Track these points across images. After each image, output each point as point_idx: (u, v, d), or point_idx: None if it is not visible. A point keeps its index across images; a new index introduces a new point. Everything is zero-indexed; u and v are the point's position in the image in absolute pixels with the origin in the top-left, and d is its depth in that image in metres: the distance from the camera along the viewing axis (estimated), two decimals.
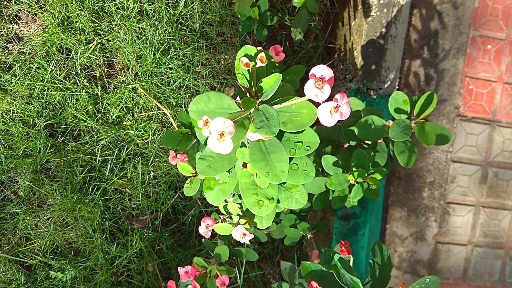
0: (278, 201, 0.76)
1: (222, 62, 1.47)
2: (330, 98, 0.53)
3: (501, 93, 1.45)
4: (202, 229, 0.76)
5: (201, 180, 0.77)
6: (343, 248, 0.79)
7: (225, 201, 0.77)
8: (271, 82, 0.54)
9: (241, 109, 0.57)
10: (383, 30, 1.26)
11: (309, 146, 0.65)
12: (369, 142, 1.03)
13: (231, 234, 0.73)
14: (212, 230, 0.77)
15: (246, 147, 0.62)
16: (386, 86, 1.29)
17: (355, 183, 0.91)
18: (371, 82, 1.28)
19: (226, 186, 0.68)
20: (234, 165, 0.67)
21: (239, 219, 0.72)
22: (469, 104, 1.44)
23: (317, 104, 0.55)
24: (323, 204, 0.96)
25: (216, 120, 0.47)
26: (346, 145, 1.05)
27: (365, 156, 0.91)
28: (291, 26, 1.31)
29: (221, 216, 0.79)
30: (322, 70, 0.52)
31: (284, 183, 0.73)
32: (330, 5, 1.47)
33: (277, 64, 1.00)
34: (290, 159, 0.67)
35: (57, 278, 1.34)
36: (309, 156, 0.69)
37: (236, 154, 0.62)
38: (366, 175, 0.91)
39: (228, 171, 0.68)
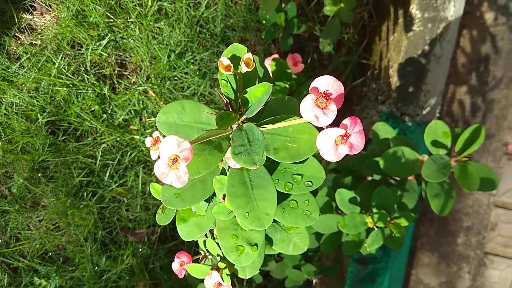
0: (272, 243, 0.61)
1: None
2: (336, 124, 0.38)
3: None
4: (175, 266, 0.62)
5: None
6: None
7: (205, 235, 0.63)
8: (258, 94, 0.40)
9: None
10: (426, 48, 1.09)
11: (311, 182, 0.50)
12: (398, 178, 0.86)
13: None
14: None
15: (226, 174, 0.48)
16: (424, 112, 1.12)
17: (374, 227, 0.75)
18: (406, 106, 1.11)
19: (203, 220, 0.54)
20: (215, 194, 0.53)
21: (219, 261, 0.58)
22: None
23: (320, 129, 0.40)
24: (333, 247, 0.80)
25: (168, 139, 0.34)
26: (369, 178, 0.88)
27: (390, 196, 0.74)
28: (320, 37, 1.16)
29: (202, 252, 0.65)
30: (328, 83, 0.37)
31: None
32: (368, 17, 1.32)
33: (294, 76, 0.86)
34: (286, 195, 0.53)
35: (41, 285, 1.24)
36: (315, 193, 0.54)
37: (212, 183, 0.48)
38: (388, 219, 0.74)
39: (208, 201, 0.54)
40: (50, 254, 1.28)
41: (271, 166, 0.49)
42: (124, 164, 1.30)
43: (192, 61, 1.30)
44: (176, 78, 1.31)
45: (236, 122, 0.43)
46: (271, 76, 0.85)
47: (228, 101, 0.42)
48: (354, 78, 1.35)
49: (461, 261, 1.34)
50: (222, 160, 0.50)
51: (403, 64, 1.11)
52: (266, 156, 0.45)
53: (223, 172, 0.49)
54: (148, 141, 0.38)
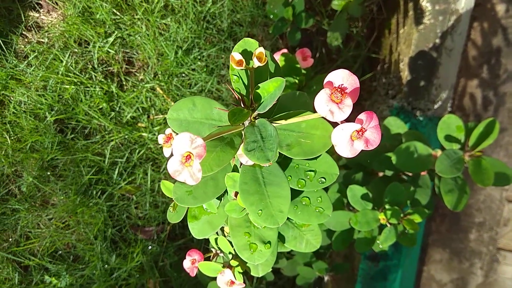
0: (284, 241, 0.60)
1: None
2: (352, 119, 0.37)
3: None
4: (186, 264, 0.61)
5: None
6: None
7: (217, 232, 0.62)
8: (271, 89, 0.39)
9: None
10: (437, 41, 1.07)
11: (324, 178, 0.49)
12: (410, 174, 0.85)
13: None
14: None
15: (238, 171, 0.47)
16: (435, 106, 1.10)
17: (387, 223, 0.73)
18: (418, 100, 1.10)
19: (215, 218, 0.53)
20: (226, 192, 0.52)
21: (231, 259, 0.57)
22: None
23: (334, 125, 0.39)
24: (345, 245, 0.79)
25: (181, 136, 0.33)
26: (381, 174, 0.87)
27: (403, 192, 0.73)
28: (328, 31, 1.15)
29: (213, 250, 0.64)
30: (343, 77, 0.36)
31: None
32: (377, 10, 1.30)
33: (303, 71, 0.85)
34: (298, 192, 0.52)
35: (51, 283, 1.24)
36: (326, 190, 0.53)
37: (224, 180, 0.47)
38: (402, 215, 0.73)
39: (219, 198, 0.53)
40: (60, 252, 1.29)
41: (283, 162, 0.48)
42: (132, 161, 1.29)
43: (199, 57, 1.29)
44: (183, 74, 1.30)
45: (248, 118, 0.42)
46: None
47: (240, 97, 0.41)
48: (364, 73, 1.34)
49: (473, 257, 1.33)
50: (234, 157, 0.49)
51: (413, 58, 1.09)
52: (279, 153, 0.44)
53: (235, 169, 0.49)
54: (161, 138, 0.37)
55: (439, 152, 0.77)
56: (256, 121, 0.41)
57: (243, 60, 0.38)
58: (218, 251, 0.63)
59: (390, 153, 0.80)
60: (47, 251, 1.27)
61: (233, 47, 1.30)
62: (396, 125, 0.87)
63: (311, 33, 1.34)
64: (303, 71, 0.85)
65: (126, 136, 1.28)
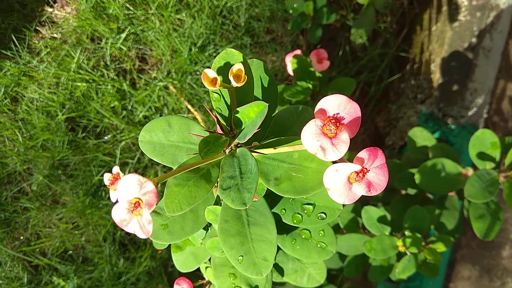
0: (282, 273, 0.53)
1: (270, 64, 1.25)
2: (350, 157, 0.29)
3: None
4: None
5: None
6: None
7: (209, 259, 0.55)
8: (251, 115, 0.31)
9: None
10: (473, 40, 0.95)
11: (325, 214, 0.41)
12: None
13: None
14: None
15: (221, 203, 0.40)
16: (470, 113, 0.99)
17: (406, 252, 0.65)
18: (450, 106, 0.99)
19: (200, 250, 0.47)
20: (211, 224, 0.45)
21: None
22: None
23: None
24: (359, 271, 0.71)
25: (127, 179, 0.26)
26: (403, 192, 0.78)
27: (425, 217, 0.64)
28: (351, 27, 1.05)
29: (206, 277, 0.58)
30: (339, 104, 0.28)
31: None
32: (408, 3, 1.18)
33: (318, 74, 0.77)
34: (292, 228, 0.44)
35: (59, 285, 1.23)
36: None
37: (205, 214, 0.40)
38: (423, 243, 0.64)
39: (205, 228, 0.47)
40: (70, 253, 1.27)
41: (273, 195, 0.40)
42: (143, 162, 1.25)
43: (214, 54, 1.22)
44: (197, 72, 1.24)
45: (229, 146, 0.35)
46: (292, 75, 0.76)
47: (218, 121, 0.34)
48: (391, 73, 1.23)
49: (506, 275, 1.21)
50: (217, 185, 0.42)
51: (446, 59, 0.98)
52: (266, 188, 0.36)
53: (218, 201, 0.42)
54: (106, 179, 0.30)
55: (470, 171, 0.68)
56: (237, 150, 0.34)
57: (218, 78, 0.31)
58: (208, 281, 0.56)
59: (414, 169, 0.71)
60: (57, 251, 1.25)
61: (250, 44, 1.22)
62: (423, 136, 0.77)
63: (334, 28, 1.24)
64: (318, 75, 0.77)
65: (138, 136, 1.24)
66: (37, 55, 1.25)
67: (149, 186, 0.26)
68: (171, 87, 1.24)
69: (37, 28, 1.26)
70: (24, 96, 1.24)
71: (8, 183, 1.26)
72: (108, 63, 1.24)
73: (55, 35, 1.25)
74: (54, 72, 1.22)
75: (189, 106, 1.23)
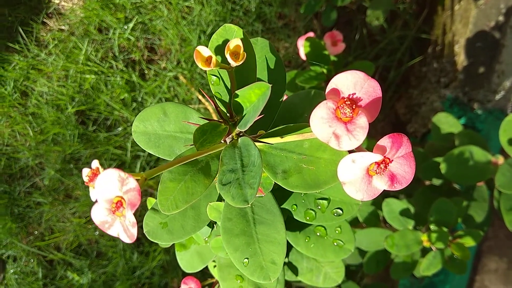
0: (296, 273, 0.49)
1: (282, 51, 1.20)
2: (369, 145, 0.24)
3: None
4: None
5: None
6: None
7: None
8: (253, 99, 0.27)
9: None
10: (500, 18, 0.88)
11: (341, 209, 0.37)
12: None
13: None
14: None
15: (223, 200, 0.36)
16: (497, 97, 0.92)
17: (431, 247, 0.60)
18: (475, 90, 0.92)
19: (206, 249, 0.43)
20: (216, 222, 0.41)
21: None
22: None
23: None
24: (379, 267, 0.66)
25: (105, 175, 0.22)
26: (427, 182, 0.73)
27: (452, 210, 0.59)
28: (368, 8, 0.99)
29: (215, 276, 0.54)
30: (355, 82, 0.24)
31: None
32: None
33: (333, 58, 0.72)
34: (306, 224, 0.40)
35: (74, 279, 1.22)
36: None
37: (207, 211, 0.36)
38: (450, 238, 0.59)
39: (211, 226, 0.43)
40: (84, 247, 1.26)
41: (282, 189, 0.36)
42: (155, 155, 1.22)
43: None
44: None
45: (230, 135, 0.31)
46: (305, 59, 0.71)
47: (216, 106, 0.30)
48: (412, 56, 1.16)
49: None
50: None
51: (471, 39, 0.91)
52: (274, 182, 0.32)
53: (221, 197, 0.38)
54: (85, 174, 0.27)
55: (500, 159, 0.62)
56: (239, 140, 0.30)
57: (214, 57, 0.26)
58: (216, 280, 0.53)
59: (439, 158, 0.65)
60: (71, 245, 1.24)
61: (262, 30, 1.17)
62: (448, 123, 0.72)
63: (350, 11, 1.18)
64: (333, 58, 0.72)
65: None
66: (45, 48, 1.22)
67: (132, 183, 0.22)
68: (181, 77, 1.21)
69: (44, 20, 1.24)
70: (34, 90, 1.22)
71: (20, 178, 1.25)
72: (117, 54, 1.21)
73: (62, 27, 1.23)
74: (62, 65, 1.20)
75: (200, 97, 1.19)
